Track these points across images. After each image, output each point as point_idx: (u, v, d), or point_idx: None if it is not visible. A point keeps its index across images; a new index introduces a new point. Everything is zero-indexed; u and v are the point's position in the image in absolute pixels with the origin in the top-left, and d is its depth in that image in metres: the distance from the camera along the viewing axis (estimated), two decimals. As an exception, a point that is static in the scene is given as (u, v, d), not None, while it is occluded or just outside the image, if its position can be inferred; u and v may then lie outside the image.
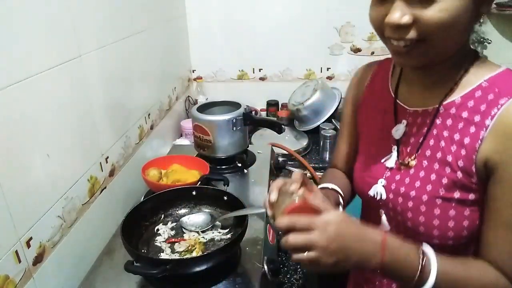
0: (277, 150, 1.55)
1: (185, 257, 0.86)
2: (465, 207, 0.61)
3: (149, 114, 1.38)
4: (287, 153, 1.58)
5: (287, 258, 1.08)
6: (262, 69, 2.00)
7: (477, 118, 0.59)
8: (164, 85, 1.58)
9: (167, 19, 1.62)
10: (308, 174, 1.55)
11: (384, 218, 0.72)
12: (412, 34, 0.56)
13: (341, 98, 1.80)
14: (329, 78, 1.98)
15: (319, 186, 0.80)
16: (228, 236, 0.94)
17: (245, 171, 1.33)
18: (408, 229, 0.66)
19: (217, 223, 0.97)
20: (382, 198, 0.70)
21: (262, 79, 2.02)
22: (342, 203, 0.78)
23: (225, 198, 1.00)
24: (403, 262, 0.58)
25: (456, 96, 0.62)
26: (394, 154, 0.70)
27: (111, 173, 1.08)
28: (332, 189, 0.79)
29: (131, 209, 0.93)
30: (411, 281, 0.57)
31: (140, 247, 0.90)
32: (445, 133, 0.62)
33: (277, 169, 1.43)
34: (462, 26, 0.56)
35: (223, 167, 1.34)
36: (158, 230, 0.96)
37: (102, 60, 1.03)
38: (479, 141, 0.58)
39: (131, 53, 1.23)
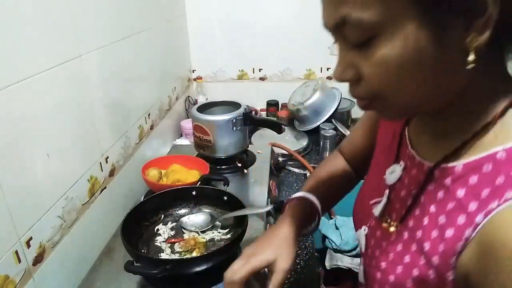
0: (277, 150, 1.55)
1: (185, 257, 0.86)
2: None
3: (149, 114, 1.38)
4: (287, 153, 1.58)
5: (287, 258, 1.08)
6: (262, 69, 2.00)
7: (472, 206, 0.41)
8: (164, 85, 1.58)
9: (167, 19, 1.62)
10: (308, 174, 1.55)
11: (361, 268, 0.62)
12: (361, 90, 0.43)
13: (341, 98, 1.80)
14: (329, 78, 1.98)
15: (295, 195, 0.74)
16: (228, 236, 0.94)
17: (245, 171, 1.33)
18: None
19: (217, 223, 0.97)
20: (362, 250, 0.61)
21: (262, 79, 2.02)
22: (319, 212, 0.72)
23: (225, 198, 1.00)
24: None
25: (459, 162, 0.44)
26: (384, 201, 0.57)
27: (111, 173, 1.08)
28: (307, 198, 0.72)
29: (131, 209, 0.93)
30: None
31: (140, 247, 0.90)
32: (432, 208, 0.47)
33: (277, 169, 1.43)
34: (425, 74, 0.39)
35: (223, 167, 1.34)
36: (158, 230, 0.96)
37: (102, 60, 1.03)
38: (462, 242, 0.41)
39: (131, 53, 1.23)
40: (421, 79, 0.40)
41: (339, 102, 1.78)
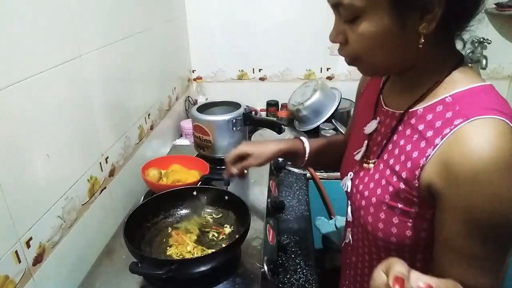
0: (277, 150, 1.55)
1: (189, 257, 0.87)
2: (409, 218, 0.60)
3: (149, 114, 1.38)
4: (287, 153, 1.58)
5: (287, 258, 1.08)
6: (262, 69, 2.00)
7: (429, 134, 0.57)
8: (164, 85, 1.58)
9: (167, 19, 1.62)
10: (308, 174, 1.55)
11: (349, 209, 0.75)
12: (346, 51, 0.61)
13: (340, 98, 1.80)
14: (329, 78, 1.98)
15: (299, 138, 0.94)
16: (229, 231, 0.94)
17: (245, 171, 1.33)
18: (362, 225, 0.69)
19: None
20: (348, 190, 0.74)
21: (262, 79, 2.02)
22: (307, 151, 0.91)
23: (226, 197, 1.00)
24: None
25: (420, 106, 0.61)
26: (363, 148, 0.72)
27: (111, 173, 1.08)
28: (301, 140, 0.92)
29: (132, 210, 0.93)
30: None
31: (143, 248, 0.90)
32: (401, 142, 0.62)
33: (277, 169, 1.43)
34: (391, 47, 0.56)
35: (223, 167, 1.34)
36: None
37: (102, 60, 1.03)
38: (425, 159, 0.56)
39: (131, 53, 1.23)
40: (386, 49, 0.57)
41: (339, 102, 1.78)
